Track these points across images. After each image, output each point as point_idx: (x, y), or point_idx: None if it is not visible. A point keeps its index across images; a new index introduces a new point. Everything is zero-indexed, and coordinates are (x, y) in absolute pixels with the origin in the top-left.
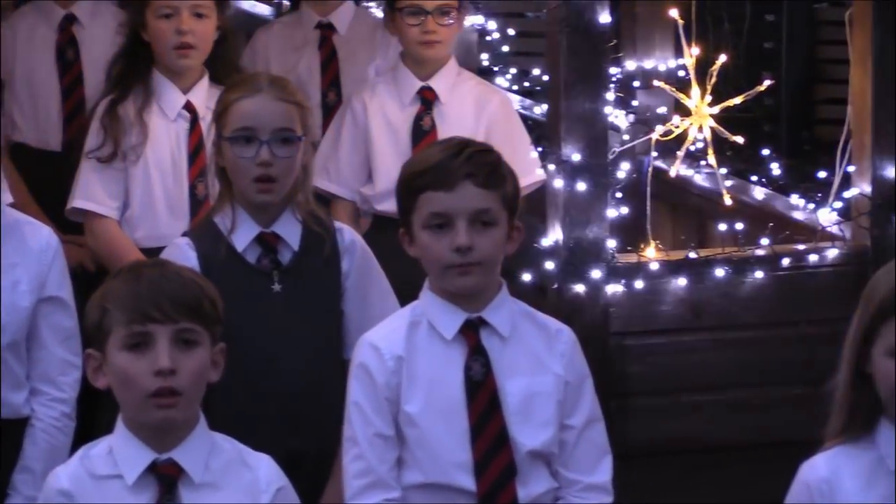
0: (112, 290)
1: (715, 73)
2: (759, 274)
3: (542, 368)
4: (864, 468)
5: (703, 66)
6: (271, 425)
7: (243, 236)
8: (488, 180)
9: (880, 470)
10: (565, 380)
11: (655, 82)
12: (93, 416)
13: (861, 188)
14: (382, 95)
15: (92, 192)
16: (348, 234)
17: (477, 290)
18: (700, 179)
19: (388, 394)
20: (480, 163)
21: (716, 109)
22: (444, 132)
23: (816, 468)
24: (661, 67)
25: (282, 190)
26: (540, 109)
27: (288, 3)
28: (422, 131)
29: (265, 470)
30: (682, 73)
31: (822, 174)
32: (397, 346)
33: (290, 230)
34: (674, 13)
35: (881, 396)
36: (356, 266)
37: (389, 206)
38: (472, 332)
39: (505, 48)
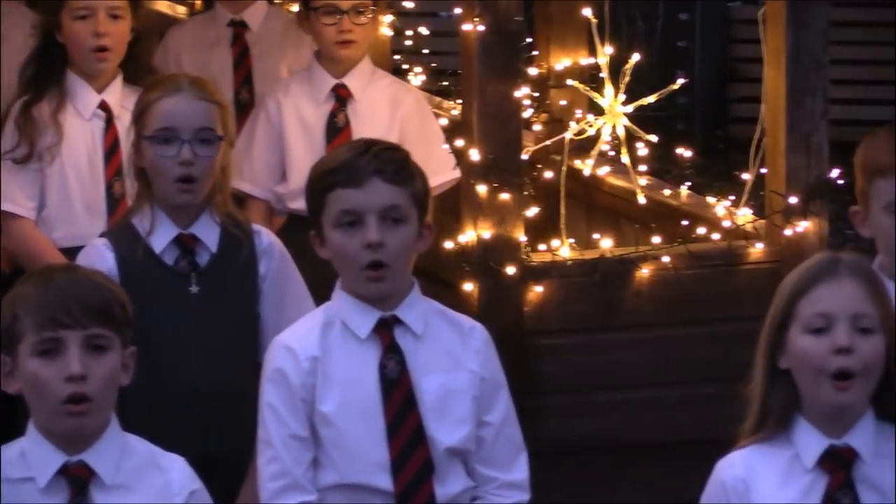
0: (22, 295)
1: (628, 72)
2: (672, 272)
3: (457, 365)
4: (779, 466)
5: (616, 65)
6: (186, 427)
7: (161, 238)
8: (397, 176)
9: (796, 467)
10: (481, 376)
11: (569, 81)
12: (12, 419)
13: (775, 187)
14: (296, 94)
15: (8, 193)
16: (266, 237)
17: (389, 293)
18: (614, 178)
19: (303, 395)
20: (388, 159)
21: (629, 108)
22: (357, 130)
23: (732, 466)
24: (575, 66)
25: (202, 190)
26: (454, 108)
27: (201, 1)
28: (336, 128)
29: (178, 472)
30: (596, 72)
31: (735, 173)
32: (312, 347)
33: (208, 232)
34: (587, 12)
35: (799, 380)
36: (273, 269)
37: (303, 203)
38: (386, 330)
39: (419, 48)
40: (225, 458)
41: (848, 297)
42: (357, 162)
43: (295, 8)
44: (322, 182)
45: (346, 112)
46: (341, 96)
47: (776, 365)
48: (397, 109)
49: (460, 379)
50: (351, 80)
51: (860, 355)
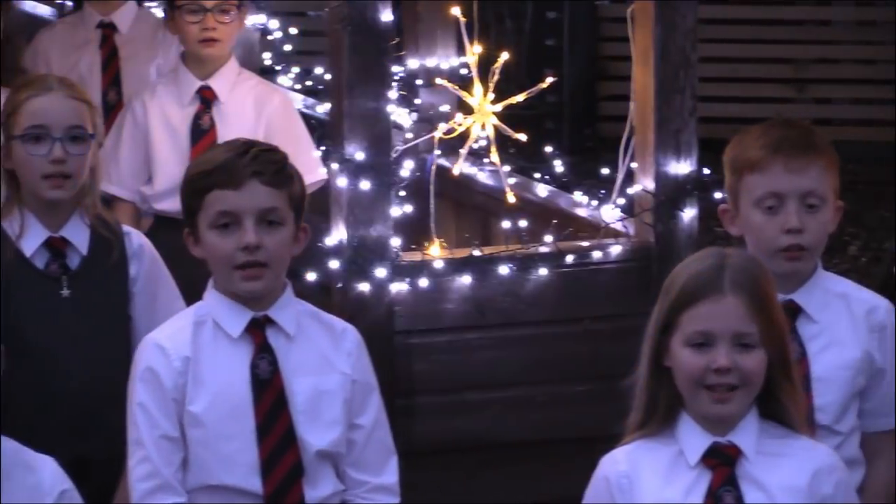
0: None
1: (497, 71)
2: (543, 271)
3: (328, 367)
4: (663, 462)
5: (485, 64)
6: (59, 430)
7: (31, 241)
8: (275, 179)
9: (680, 464)
10: (352, 379)
11: (438, 80)
12: None
13: (644, 184)
14: (162, 96)
15: None
16: (136, 239)
17: (265, 292)
18: (483, 177)
19: (175, 395)
20: (267, 161)
21: (498, 107)
22: (223, 132)
23: (616, 462)
24: (444, 65)
25: (73, 187)
26: (323, 108)
27: (71, 3)
28: (200, 131)
29: (49, 472)
30: (464, 72)
31: (605, 171)
32: (184, 347)
33: (78, 235)
34: (456, 11)
35: (680, 387)
36: (144, 271)
37: (169, 205)
38: (258, 330)
39: (287, 47)
40: (100, 461)
41: (730, 316)
42: (236, 163)
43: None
44: (199, 182)
45: (210, 114)
46: (206, 98)
47: (661, 363)
48: (263, 110)
49: (332, 381)
50: (216, 82)
51: (740, 372)
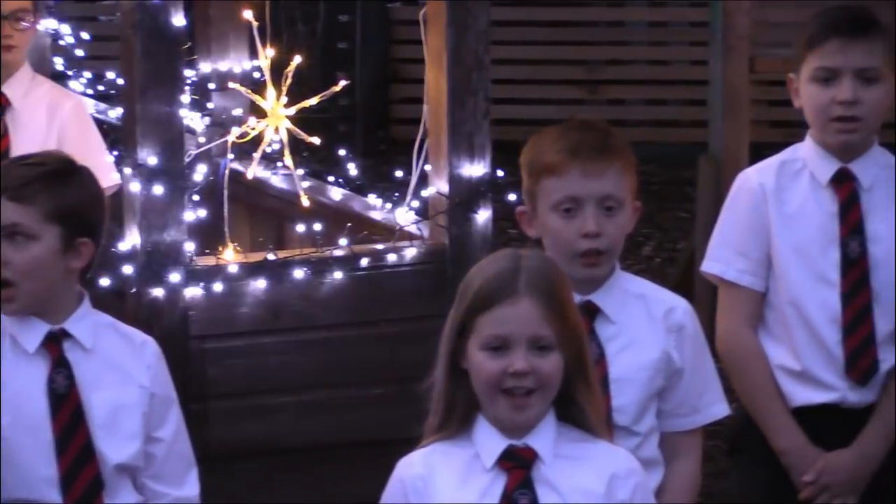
0: None
1: (290, 75)
2: (338, 274)
3: (127, 380)
4: (459, 465)
5: (278, 68)
6: None
7: None
8: (18, 194)
9: (476, 467)
10: (151, 392)
11: (231, 84)
12: None
13: (438, 187)
14: None
15: None
16: None
17: (21, 313)
18: (277, 181)
19: None
20: (11, 176)
21: (292, 111)
22: (16, 138)
23: (412, 465)
24: (237, 69)
25: None
26: (115, 113)
27: None
28: None
29: None
30: (257, 75)
31: (398, 173)
32: None
33: None
34: (248, 15)
35: (476, 391)
36: None
37: None
38: (54, 344)
39: (79, 52)
40: None
41: (526, 319)
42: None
43: None
44: None
45: (4, 121)
46: (0, 105)
47: (458, 366)
48: (55, 115)
49: (130, 394)
50: (9, 89)
51: (537, 375)
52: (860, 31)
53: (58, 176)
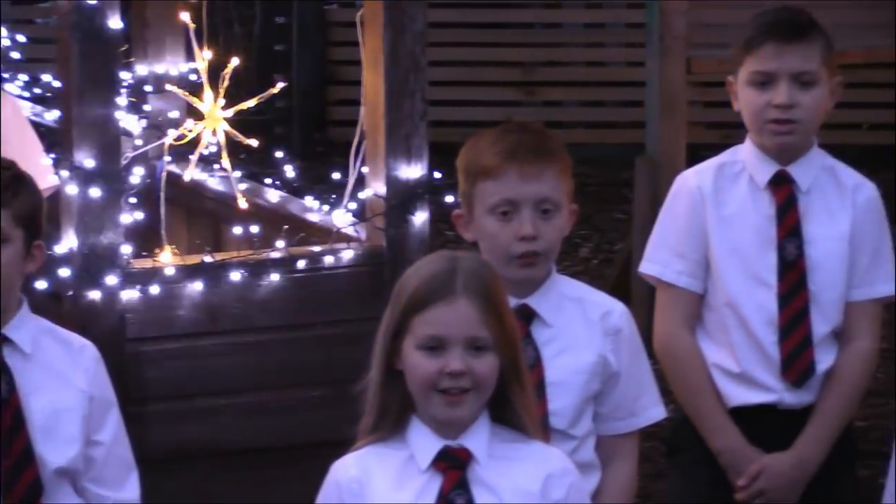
0: None
1: (227, 77)
2: (275, 276)
3: (66, 384)
4: (395, 466)
5: (215, 70)
6: None
7: None
8: None
9: (411, 468)
10: (90, 395)
11: (167, 86)
12: None
13: (375, 189)
14: None
15: None
16: None
17: None
18: (214, 183)
19: None
20: None
21: (229, 113)
22: None
23: (346, 467)
24: (173, 71)
25: None
26: (52, 116)
27: None
28: None
29: None
30: (194, 77)
31: (336, 175)
32: None
33: None
34: (184, 17)
35: (412, 391)
36: None
37: None
38: None
39: (15, 55)
40: None
41: (462, 320)
42: None
43: None
44: None
45: None
46: None
47: (393, 367)
48: None
49: (69, 398)
50: None
51: (473, 376)
52: (797, 35)
53: (20, 179)
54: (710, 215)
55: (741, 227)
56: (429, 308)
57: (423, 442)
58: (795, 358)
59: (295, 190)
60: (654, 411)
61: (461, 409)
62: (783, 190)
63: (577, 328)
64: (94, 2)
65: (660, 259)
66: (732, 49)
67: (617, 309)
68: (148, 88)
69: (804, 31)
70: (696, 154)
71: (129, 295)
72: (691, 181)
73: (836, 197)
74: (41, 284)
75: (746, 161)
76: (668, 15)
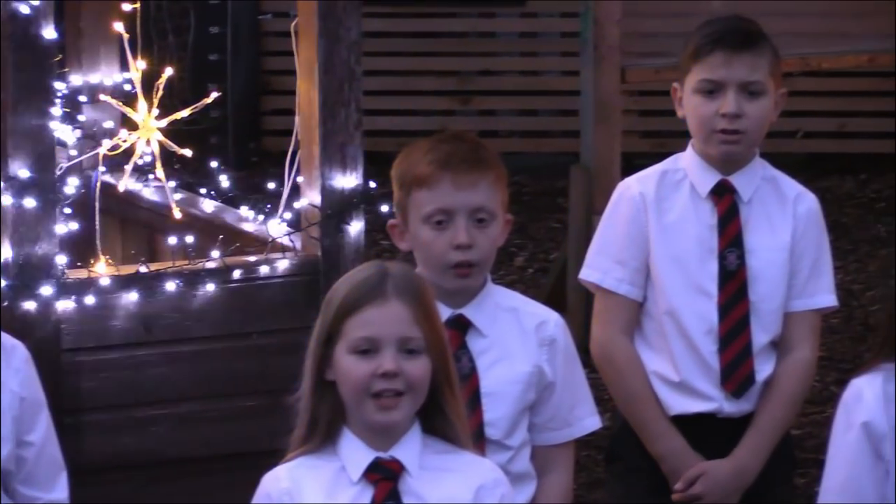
0: None
1: (161, 87)
2: (210, 287)
3: None
4: (326, 478)
5: (149, 80)
6: None
7: None
8: None
9: (342, 479)
10: (21, 396)
11: (102, 97)
12: None
13: (310, 199)
14: None
15: None
16: None
17: None
18: (149, 193)
19: None
20: None
21: (163, 123)
22: None
23: (277, 479)
24: (108, 82)
25: None
26: None
27: None
28: None
29: None
30: (128, 87)
31: (271, 185)
32: None
33: None
34: (119, 27)
35: (344, 397)
36: None
37: None
38: None
39: None
40: None
41: (394, 321)
42: None
43: None
44: None
45: None
46: None
47: (323, 377)
48: None
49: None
50: None
51: (406, 377)
52: (746, 45)
53: None
54: (652, 222)
55: (682, 235)
56: (360, 310)
57: (355, 453)
58: (735, 368)
59: (230, 200)
60: (590, 421)
61: (395, 413)
62: (725, 200)
63: (513, 338)
64: (28, 11)
65: (600, 266)
66: (681, 56)
67: (552, 319)
68: (82, 98)
69: (753, 41)
70: (631, 163)
71: (65, 305)
72: (634, 188)
73: (778, 208)
74: None
75: (688, 169)
76: (602, 24)
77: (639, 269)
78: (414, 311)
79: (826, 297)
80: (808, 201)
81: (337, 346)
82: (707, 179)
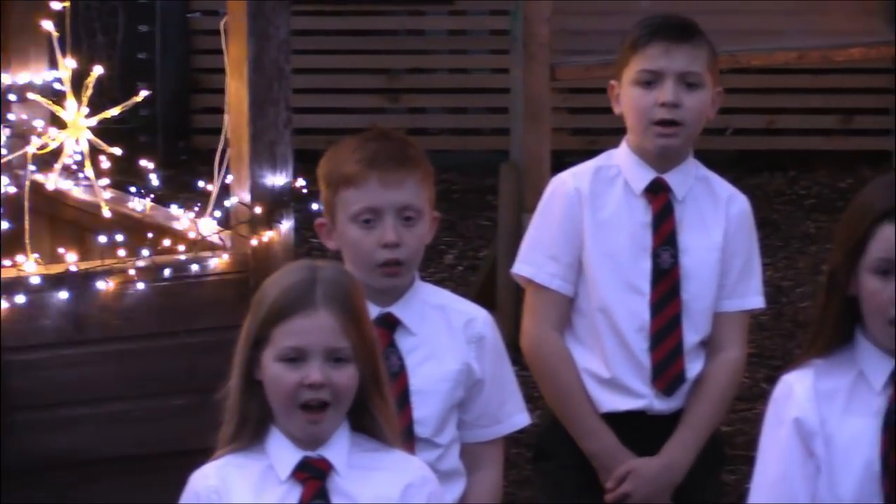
0: None
1: (90, 85)
2: (140, 285)
3: None
4: (254, 476)
5: (78, 79)
6: None
7: None
8: None
9: (271, 478)
10: None
11: (30, 95)
12: None
13: (240, 197)
14: None
15: None
16: None
17: None
18: (78, 192)
19: None
20: None
21: (93, 121)
22: None
23: (206, 477)
24: (37, 80)
25: None
26: None
27: None
28: None
29: None
30: (57, 86)
31: (201, 184)
32: None
33: None
34: (47, 25)
35: (272, 403)
36: None
37: None
38: None
39: None
40: None
41: (322, 331)
42: None
43: None
44: None
45: None
46: None
47: (252, 377)
48: None
49: None
50: None
51: (333, 387)
52: (684, 36)
53: None
54: (586, 218)
55: (616, 232)
56: (288, 319)
57: (283, 452)
58: (666, 366)
59: (160, 198)
60: (519, 418)
61: (321, 426)
62: (660, 198)
63: (441, 336)
64: None
65: (533, 260)
66: (620, 50)
67: (480, 316)
68: (11, 97)
69: (692, 33)
70: (561, 160)
71: None
72: (569, 183)
73: (711, 208)
74: None
75: (622, 166)
76: (531, 22)
77: (571, 264)
78: (342, 321)
79: (755, 299)
80: (740, 202)
81: (265, 351)
82: (642, 177)
